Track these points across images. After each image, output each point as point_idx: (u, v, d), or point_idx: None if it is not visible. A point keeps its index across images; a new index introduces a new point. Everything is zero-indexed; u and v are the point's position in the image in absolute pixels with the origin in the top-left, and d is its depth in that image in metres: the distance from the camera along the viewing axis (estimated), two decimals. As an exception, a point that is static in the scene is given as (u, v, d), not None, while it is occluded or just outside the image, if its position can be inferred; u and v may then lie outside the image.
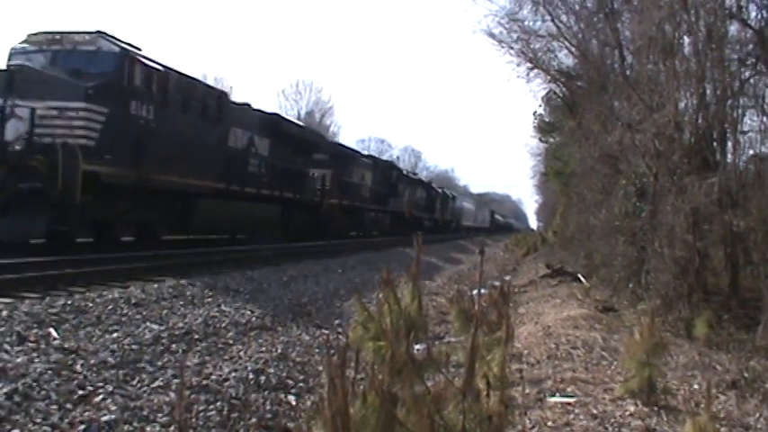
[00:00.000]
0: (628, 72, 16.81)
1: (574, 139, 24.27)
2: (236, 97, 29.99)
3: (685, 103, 12.77)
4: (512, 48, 26.69)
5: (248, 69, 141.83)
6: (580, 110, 21.94)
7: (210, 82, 43.67)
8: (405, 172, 52.58)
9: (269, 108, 32.23)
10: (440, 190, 66.81)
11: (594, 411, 5.94)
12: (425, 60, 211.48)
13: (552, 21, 24.05)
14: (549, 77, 27.74)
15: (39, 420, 5.63)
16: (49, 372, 6.71)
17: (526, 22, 25.70)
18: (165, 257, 16.23)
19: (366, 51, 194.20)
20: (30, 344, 7.50)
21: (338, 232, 32.47)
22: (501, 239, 73.12)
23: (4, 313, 8.31)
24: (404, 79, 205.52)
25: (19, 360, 6.89)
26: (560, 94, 28.89)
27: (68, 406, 6.04)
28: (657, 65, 13.55)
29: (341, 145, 40.92)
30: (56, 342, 7.77)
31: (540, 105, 33.05)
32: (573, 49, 23.80)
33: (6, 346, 7.23)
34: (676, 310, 10.54)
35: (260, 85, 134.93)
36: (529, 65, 27.15)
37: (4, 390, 5.99)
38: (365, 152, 56.06)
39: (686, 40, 12.86)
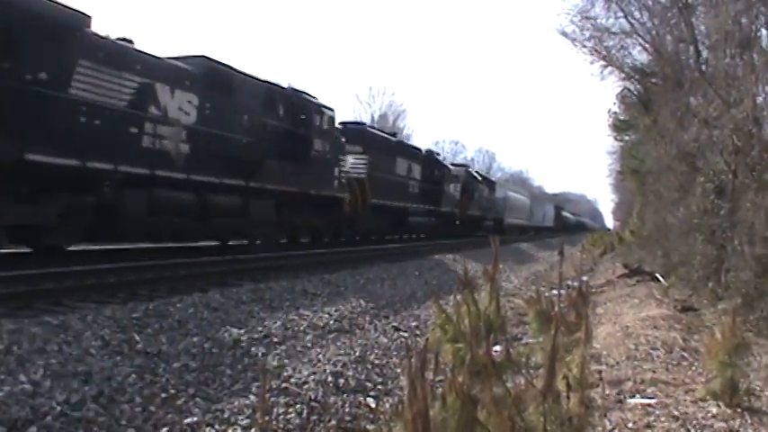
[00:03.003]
0: (704, 67, 16.54)
1: (649, 137, 23.97)
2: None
3: (764, 98, 12.54)
4: (584, 46, 26.55)
5: (322, 73, 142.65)
6: (655, 107, 21.66)
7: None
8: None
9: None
10: (452, 167, 45.76)
11: (676, 413, 5.88)
12: (499, 61, 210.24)
13: (625, 17, 23.83)
14: (622, 75, 27.47)
15: (123, 423, 5.80)
16: (133, 375, 6.93)
17: (599, 20, 25.53)
18: (242, 262, 16.56)
19: (440, 54, 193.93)
20: (114, 348, 7.76)
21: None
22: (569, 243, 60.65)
23: (89, 318, 8.60)
24: (478, 81, 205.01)
25: (104, 364, 7.13)
26: (635, 92, 28.57)
27: (152, 408, 6.22)
28: (734, 59, 13.31)
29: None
30: (139, 346, 8.01)
31: (614, 103, 32.75)
32: (647, 46, 23.53)
33: (92, 350, 7.49)
34: (758, 309, 10.32)
35: (334, 89, 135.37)
36: (602, 63, 26.96)
37: (91, 393, 6.20)
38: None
39: (764, 32, 12.64)
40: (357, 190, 27.22)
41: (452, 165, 48.21)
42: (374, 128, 37.94)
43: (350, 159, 27.15)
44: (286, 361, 8.50)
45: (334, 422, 6.87)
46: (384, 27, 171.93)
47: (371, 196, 28.20)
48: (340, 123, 27.07)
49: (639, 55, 25.84)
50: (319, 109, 23.36)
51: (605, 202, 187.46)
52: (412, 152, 36.82)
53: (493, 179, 67.38)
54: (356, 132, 29.14)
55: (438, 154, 45.86)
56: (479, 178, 52.95)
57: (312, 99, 23.30)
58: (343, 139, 26.04)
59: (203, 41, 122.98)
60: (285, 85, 23.34)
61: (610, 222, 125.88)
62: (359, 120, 51.41)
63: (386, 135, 34.66)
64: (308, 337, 10.00)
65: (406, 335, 11.24)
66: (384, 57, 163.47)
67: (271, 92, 20.85)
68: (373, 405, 7.61)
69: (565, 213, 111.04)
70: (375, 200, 28.52)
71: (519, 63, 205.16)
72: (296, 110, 22.05)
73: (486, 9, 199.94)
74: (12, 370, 6.38)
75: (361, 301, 13.29)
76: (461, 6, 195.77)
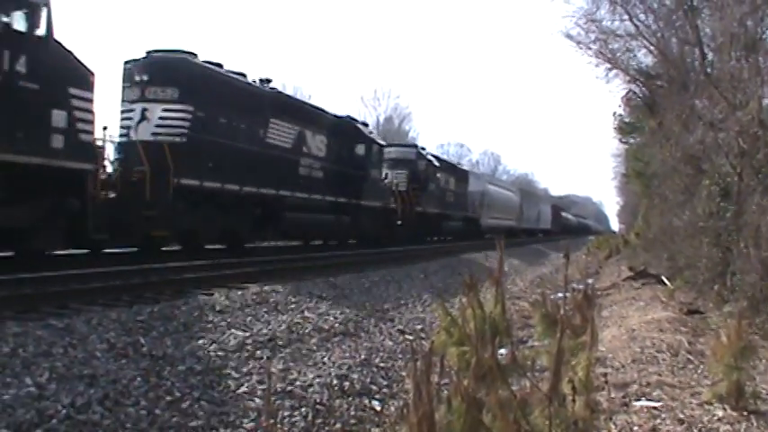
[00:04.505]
0: (709, 70, 16.53)
1: (655, 140, 23.92)
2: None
3: (770, 100, 12.52)
4: (590, 48, 26.57)
5: (327, 76, 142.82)
6: (661, 110, 21.64)
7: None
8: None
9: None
10: (394, 148, 36.73)
11: (681, 416, 5.87)
12: (504, 64, 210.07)
13: (630, 20, 23.82)
14: (628, 77, 27.48)
15: (129, 426, 5.81)
16: (138, 378, 6.94)
17: (604, 22, 25.53)
18: (249, 265, 16.57)
19: (445, 57, 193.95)
20: (119, 351, 7.77)
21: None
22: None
23: (95, 321, 8.62)
24: (483, 83, 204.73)
25: (109, 367, 7.15)
26: (640, 95, 28.56)
27: (157, 411, 6.23)
28: (740, 61, 13.30)
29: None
30: (144, 349, 8.02)
31: (619, 106, 32.73)
32: (652, 48, 23.53)
33: (97, 353, 7.50)
34: (764, 312, 10.29)
35: (339, 91, 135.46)
36: (607, 65, 26.98)
37: (96, 396, 6.21)
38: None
39: (769, 35, 12.62)
40: None
41: (397, 145, 38.88)
42: (215, 65, 19.10)
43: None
44: (291, 364, 8.51)
45: (339, 425, 6.88)
46: (390, 30, 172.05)
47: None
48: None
49: (645, 57, 25.88)
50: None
51: (610, 204, 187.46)
52: (308, 114, 24.33)
53: (465, 168, 55.65)
54: (166, 65, 17.42)
55: (367, 125, 31.95)
56: (437, 164, 39.84)
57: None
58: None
59: (208, 43, 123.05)
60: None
61: (615, 225, 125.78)
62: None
63: (242, 78, 20.13)
64: (314, 341, 10.01)
65: (410, 337, 11.25)
66: (389, 59, 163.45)
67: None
68: (378, 408, 7.62)
69: (565, 214, 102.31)
70: (191, 180, 17.08)
71: (524, 66, 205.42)
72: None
73: (491, 12, 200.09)
74: (17, 373, 6.40)
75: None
76: (467, 9, 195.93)
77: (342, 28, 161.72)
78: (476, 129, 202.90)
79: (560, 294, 7.59)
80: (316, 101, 40.30)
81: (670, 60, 20.53)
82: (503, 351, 4.09)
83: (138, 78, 16.89)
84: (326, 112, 26.27)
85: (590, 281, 17.23)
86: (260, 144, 20.12)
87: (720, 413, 5.94)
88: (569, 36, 26.82)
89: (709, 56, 17.02)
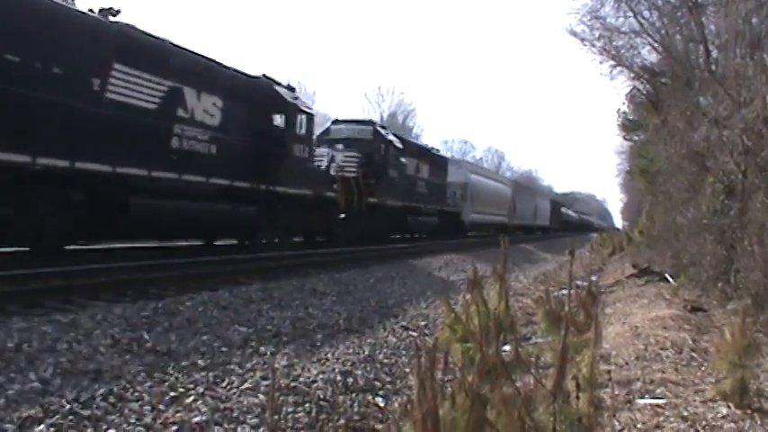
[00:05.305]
0: (713, 67, 16.54)
1: (659, 137, 23.89)
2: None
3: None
4: (594, 45, 26.63)
5: (330, 73, 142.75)
6: (665, 107, 21.59)
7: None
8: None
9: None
10: (339, 124, 30.45)
11: (685, 413, 5.87)
12: (508, 61, 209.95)
13: (634, 17, 23.87)
14: (632, 74, 27.53)
15: (133, 421, 5.81)
16: (143, 374, 6.95)
17: (608, 19, 25.59)
18: (252, 261, 16.59)
19: (449, 53, 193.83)
20: (123, 346, 7.79)
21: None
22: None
23: (99, 316, 8.64)
24: (487, 80, 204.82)
25: (114, 362, 7.16)
26: (644, 92, 28.59)
27: (161, 407, 6.23)
28: (745, 58, 13.27)
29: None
30: (148, 344, 8.04)
31: (623, 103, 32.77)
32: (656, 45, 23.57)
33: (102, 349, 7.52)
34: (768, 310, 10.30)
35: (342, 88, 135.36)
36: (612, 62, 27.04)
37: (100, 391, 6.22)
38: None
39: (774, 32, 12.60)
40: None
41: (348, 121, 31.09)
42: None
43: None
44: (295, 360, 8.51)
45: (342, 421, 6.87)
46: (393, 26, 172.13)
47: None
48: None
49: (649, 54, 25.91)
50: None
51: (614, 201, 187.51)
52: (190, 65, 17.14)
53: (443, 154, 48.06)
54: None
55: (293, 89, 23.52)
56: (401, 146, 31.98)
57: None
58: None
59: (211, 38, 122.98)
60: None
61: (619, 222, 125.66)
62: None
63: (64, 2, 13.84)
64: (318, 336, 10.02)
65: (414, 333, 11.25)
66: (393, 56, 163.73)
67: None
68: (382, 404, 7.61)
69: (566, 210, 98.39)
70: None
71: (528, 63, 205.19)
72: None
73: (495, 8, 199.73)
74: (22, 368, 6.41)
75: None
76: (471, 6, 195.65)
77: (346, 24, 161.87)
78: (480, 126, 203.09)
79: (564, 291, 7.59)
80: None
81: (674, 57, 20.52)
82: (507, 347, 4.09)
83: None
84: (226, 67, 19.01)
85: (594, 278, 17.22)
86: (92, 100, 13.84)
87: (724, 411, 5.94)
88: (574, 33, 26.90)
89: (714, 53, 17.04)
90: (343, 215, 25.86)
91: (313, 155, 23.60)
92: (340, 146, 27.87)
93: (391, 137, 31.21)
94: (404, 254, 24.86)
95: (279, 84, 21.77)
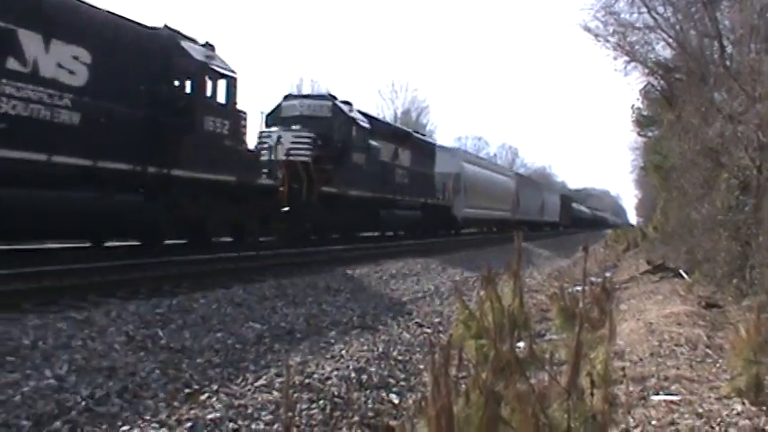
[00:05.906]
0: (728, 62, 16.45)
1: (673, 133, 23.80)
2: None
3: (790, 93, 12.43)
4: (608, 41, 26.53)
5: (344, 69, 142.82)
6: (679, 102, 21.52)
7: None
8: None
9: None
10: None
11: (700, 410, 5.84)
12: (522, 57, 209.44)
13: (648, 12, 23.78)
14: (646, 70, 27.42)
15: (147, 417, 5.83)
16: (157, 371, 6.98)
17: (622, 15, 25.49)
18: (267, 258, 16.60)
19: (462, 50, 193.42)
20: (138, 343, 7.83)
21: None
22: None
23: (114, 314, 8.68)
24: (501, 77, 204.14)
25: (128, 359, 7.19)
26: (658, 87, 28.48)
27: (175, 404, 6.25)
28: (760, 54, 13.21)
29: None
30: (162, 341, 8.07)
31: (638, 99, 32.65)
32: (670, 41, 23.47)
33: (116, 346, 7.55)
34: (784, 307, 10.25)
35: (356, 85, 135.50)
36: (626, 58, 26.92)
37: (115, 388, 6.25)
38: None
39: (790, 27, 12.54)
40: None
41: (302, 96, 27.42)
42: None
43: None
44: (309, 357, 8.52)
45: (357, 418, 6.88)
46: (407, 22, 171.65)
47: None
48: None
49: (663, 50, 25.82)
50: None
51: (628, 197, 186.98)
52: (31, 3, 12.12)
53: (430, 140, 41.11)
54: None
55: (212, 46, 17.35)
56: (367, 125, 26.89)
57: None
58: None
59: (226, 35, 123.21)
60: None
61: (633, 218, 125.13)
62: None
63: None
64: (332, 333, 10.02)
65: (428, 330, 11.24)
66: (407, 52, 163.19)
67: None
68: (396, 401, 7.61)
69: (577, 206, 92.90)
70: None
71: (542, 59, 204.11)
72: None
73: (508, 5, 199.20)
74: (37, 365, 6.44)
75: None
76: (484, 2, 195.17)
77: (360, 21, 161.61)
78: (494, 122, 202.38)
79: (578, 288, 7.58)
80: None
81: (689, 53, 20.42)
82: (521, 344, 4.09)
83: None
84: (98, 9, 14.01)
85: (608, 274, 17.17)
86: None
87: (739, 407, 5.91)
88: (587, 29, 26.80)
89: (729, 48, 16.95)
90: (286, 208, 20.55)
91: (242, 132, 18.13)
92: (296, 126, 23.04)
93: (356, 114, 26.23)
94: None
95: (186, 38, 16.59)
